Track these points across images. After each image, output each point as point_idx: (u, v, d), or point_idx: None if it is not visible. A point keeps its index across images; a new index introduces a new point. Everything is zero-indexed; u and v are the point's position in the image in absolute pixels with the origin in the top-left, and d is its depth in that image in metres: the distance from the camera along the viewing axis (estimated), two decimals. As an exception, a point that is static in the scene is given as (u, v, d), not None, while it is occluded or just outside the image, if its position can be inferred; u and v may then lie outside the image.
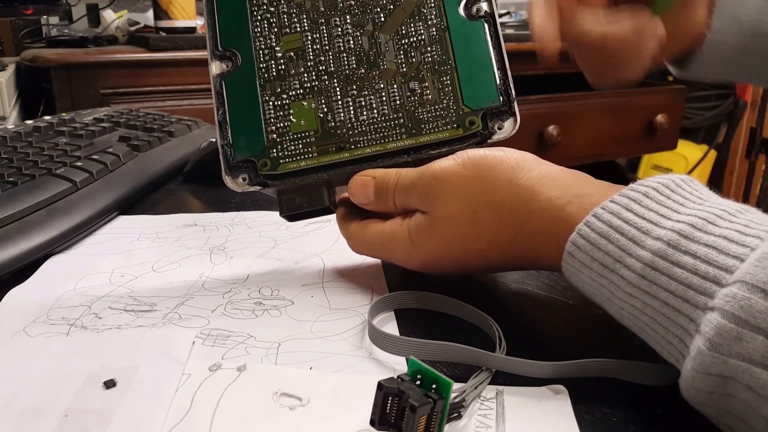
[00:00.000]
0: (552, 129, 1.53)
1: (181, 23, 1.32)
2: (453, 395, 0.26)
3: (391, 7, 0.42)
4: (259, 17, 0.42)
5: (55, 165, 0.52)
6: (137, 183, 0.57)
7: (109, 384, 0.29)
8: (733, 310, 0.24)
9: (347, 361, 0.32)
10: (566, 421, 0.27)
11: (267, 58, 0.42)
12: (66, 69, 1.22)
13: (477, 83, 0.40)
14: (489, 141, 0.40)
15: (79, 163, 0.53)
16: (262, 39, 0.42)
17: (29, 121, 0.65)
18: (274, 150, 0.41)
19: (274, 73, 0.42)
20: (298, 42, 0.42)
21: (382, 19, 0.42)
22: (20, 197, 0.45)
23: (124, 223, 0.52)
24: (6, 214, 0.43)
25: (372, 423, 0.25)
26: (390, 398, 0.25)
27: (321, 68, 0.41)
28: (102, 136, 0.63)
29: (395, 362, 0.31)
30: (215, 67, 0.42)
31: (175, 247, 0.47)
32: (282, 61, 0.42)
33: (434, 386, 0.25)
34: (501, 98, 0.40)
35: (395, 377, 0.25)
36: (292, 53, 0.42)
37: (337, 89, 0.41)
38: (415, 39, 0.41)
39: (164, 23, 1.33)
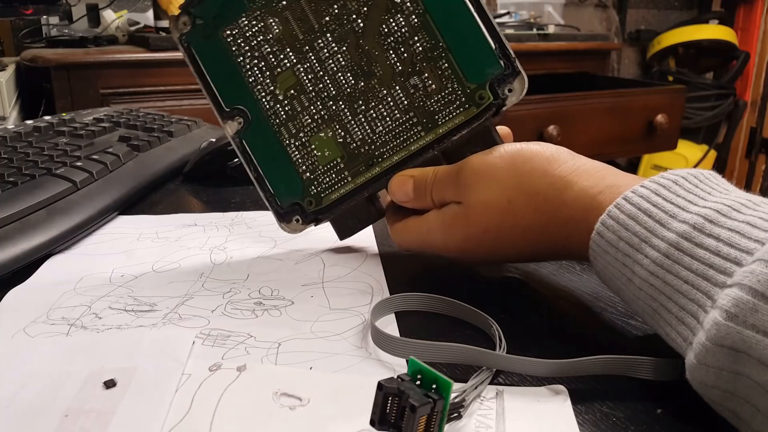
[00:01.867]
0: (552, 129, 1.52)
1: (181, 23, 1.32)
2: (453, 395, 0.26)
3: (365, 9, 0.40)
4: (248, 66, 0.41)
5: (55, 165, 0.52)
6: (137, 183, 0.57)
7: (109, 384, 0.29)
8: (751, 284, 0.24)
9: (347, 361, 0.32)
10: (566, 421, 0.27)
11: (272, 103, 0.42)
12: (66, 69, 1.22)
13: (474, 56, 0.40)
14: (504, 108, 0.40)
15: (79, 163, 0.53)
16: (259, 87, 0.42)
17: (29, 121, 0.65)
18: (313, 187, 0.43)
19: (284, 116, 0.42)
20: (293, 78, 0.41)
21: (361, 25, 0.40)
22: (20, 197, 0.45)
23: (124, 223, 0.52)
24: (6, 214, 0.43)
25: (372, 423, 0.25)
26: (390, 398, 0.25)
27: (323, 95, 0.41)
28: (102, 136, 0.63)
29: (395, 362, 0.31)
30: (229, 128, 0.43)
31: (175, 247, 0.47)
32: (285, 102, 0.42)
33: (434, 386, 0.25)
34: (502, 62, 0.39)
35: (395, 377, 0.25)
36: (292, 90, 0.41)
37: (346, 111, 0.41)
38: (399, 34, 0.40)
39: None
